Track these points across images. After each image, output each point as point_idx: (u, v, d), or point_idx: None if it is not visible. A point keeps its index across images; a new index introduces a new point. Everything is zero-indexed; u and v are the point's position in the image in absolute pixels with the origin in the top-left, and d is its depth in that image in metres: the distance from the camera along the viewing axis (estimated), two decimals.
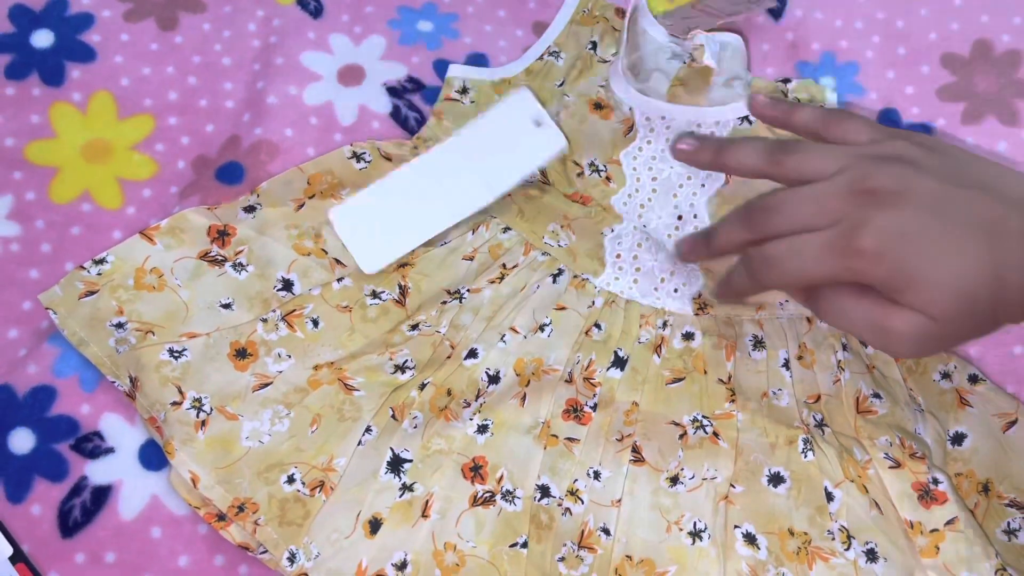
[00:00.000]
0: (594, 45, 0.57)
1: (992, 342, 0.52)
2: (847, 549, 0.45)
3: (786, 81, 0.57)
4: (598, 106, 0.55)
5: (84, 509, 0.47)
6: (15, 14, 0.57)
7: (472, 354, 0.49)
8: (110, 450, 0.48)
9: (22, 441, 0.48)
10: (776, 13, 0.61)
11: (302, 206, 0.52)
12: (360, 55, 0.58)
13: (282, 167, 0.54)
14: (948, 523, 0.45)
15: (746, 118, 0.55)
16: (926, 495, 0.46)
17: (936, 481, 0.46)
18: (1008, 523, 0.47)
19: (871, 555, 0.45)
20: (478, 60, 0.58)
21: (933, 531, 0.45)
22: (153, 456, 0.48)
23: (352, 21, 0.59)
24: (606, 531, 0.46)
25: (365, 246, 0.50)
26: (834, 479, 0.46)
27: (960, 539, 0.45)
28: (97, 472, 0.48)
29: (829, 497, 0.46)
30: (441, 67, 0.58)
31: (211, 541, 0.47)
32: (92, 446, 0.48)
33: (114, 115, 0.56)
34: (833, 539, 0.45)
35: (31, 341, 0.50)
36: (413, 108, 0.57)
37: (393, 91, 0.57)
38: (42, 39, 0.57)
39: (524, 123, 0.52)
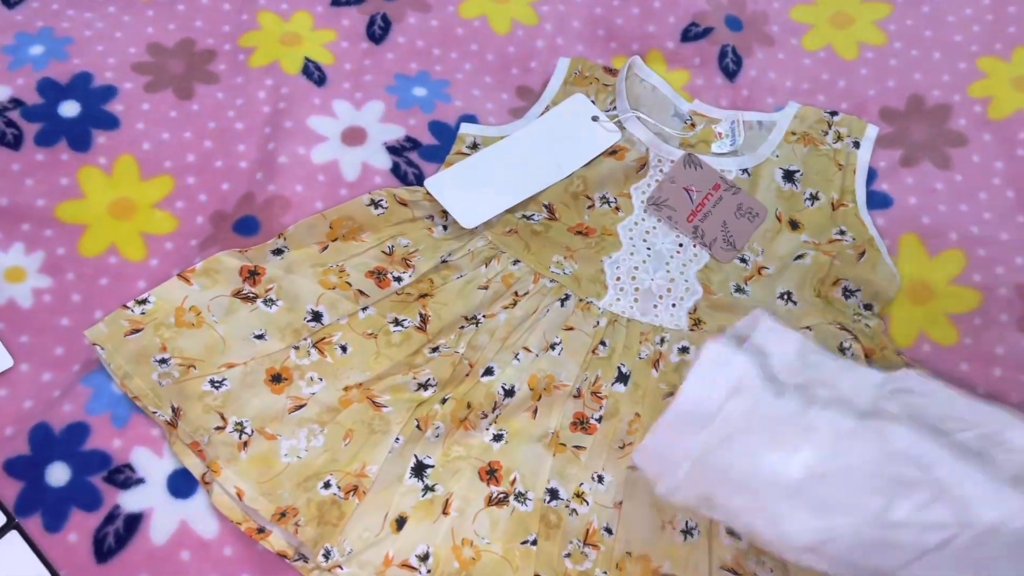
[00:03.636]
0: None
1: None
2: None
3: (833, 113, 0.69)
4: (612, 152, 0.66)
5: (117, 536, 0.54)
6: (43, 87, 0.67)
7: (489, 371, 0.58)
8: (140, 481, 0.55)
9: (59, 474, 0.55)
10: (731, 74, 0.71)
11: (326, 248, 0.61)
12: (361, 118, 0.68)
13: (294, 219, 0.63)
14: None
15: (745, 170, 0.67)
16: None
17: None
18: None
19: None
20: (468, 120, 0.69)
21: None
22: (181, 485, 0.56)
23: (353, 88, 0.68)
24: (608, 530, 0.54)
25: (462, 207, 0.62)
26: None
27: None
28: (129, 501, 0.55)
29: None
30: (435, 127, 0.68)
31: (237, 562, 0.54)
32: (124, 477, 0.55)
33: (137, 176, 0.64)
34: None
35: (65, 383, 0.58)
36: (411, 164, 0.66)
37: (393, 149, 0.67)
38: (69, 109, 0.66)
39: (584, 119, 0.67)
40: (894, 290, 0.63)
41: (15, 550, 0.52)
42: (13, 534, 0.52)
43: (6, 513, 0.53)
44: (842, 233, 0.64)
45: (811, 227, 0.65)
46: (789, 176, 0.67)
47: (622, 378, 0.59)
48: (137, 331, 0.57)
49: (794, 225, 0.65)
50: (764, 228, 0.65)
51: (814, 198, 0.66)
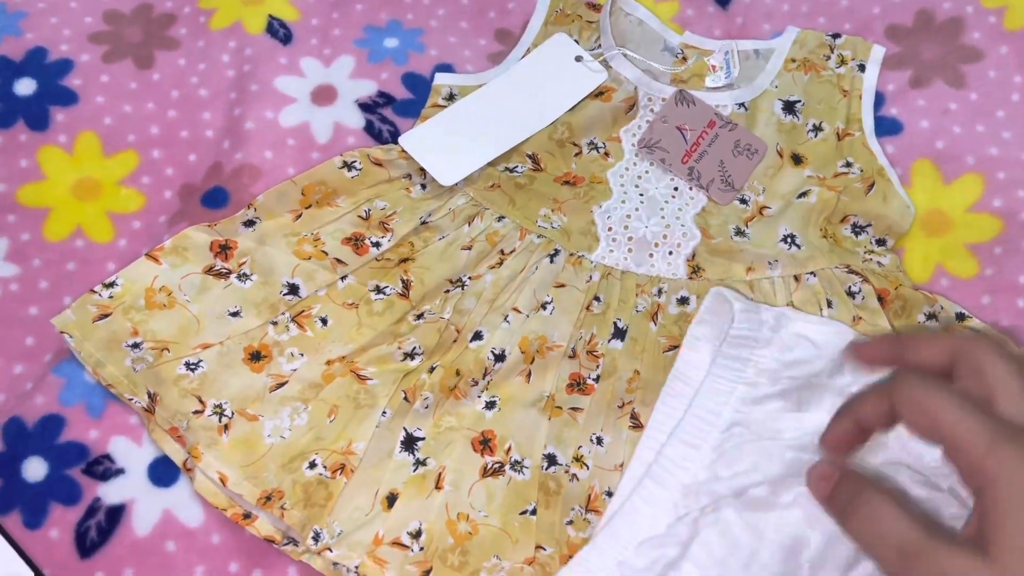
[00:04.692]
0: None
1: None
2: None
3: (835, 36, 0.65)
4: (599, 94, 0.62)
5: (100, 529, 0.52)
6: None
7: (477, 336, 0.56)
8: (120, 471, 0.53)
9: (35, 469, 0.53)
10: (723, 1, 0.67)
11: (299, 216, 0.59)
12: (331, 75, 0.65)
13: (265, 187, 0.60)
14: None
15: (742, 104, 0.63)
16: None
17: None
18: None
19: None
20: (445, 70, 0.65)
21: None
22: (163, 473, 0.54)
23: (321, 44, 0.65)
24: (610, 494, 0.52)
25: (439, 163, 0.59)
26: None
27: None
28: (109, 493, 0.53)
29: None
30: (409, 80, 0.65)
31: (225, 549, 0.52)
32: (103, 468, 0.53)
33: (100, 153, 0.62)
34: None
35: (36, 374, 0.56)
36: (386, 121, 0.63)
37: (365, 107, 0.63)
38: (25, 87, 0.63)
39: (567, 60, 0.63)
40: (908, 222, 0.59)
41: None
42: None
43: None
44: (848, 165, 0.60)
45: (815, 160, 0.61)
46: (790, 107, 0.63)
47: (619, 334, 0.56)
48: (106, 316, 0.55)
49: (797, 159, 0.61)
50: (765, 165, 0.61)
51: (817, 129, 0.62)
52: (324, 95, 0.64)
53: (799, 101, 0.63)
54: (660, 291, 0.57)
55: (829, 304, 0.56)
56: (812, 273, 0.57)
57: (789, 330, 0.51)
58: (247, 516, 0.52)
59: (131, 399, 0.53)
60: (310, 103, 0.64)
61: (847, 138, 0.61)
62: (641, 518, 0.47)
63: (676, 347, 0.55)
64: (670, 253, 0.59)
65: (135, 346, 0.54)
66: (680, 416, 0.50)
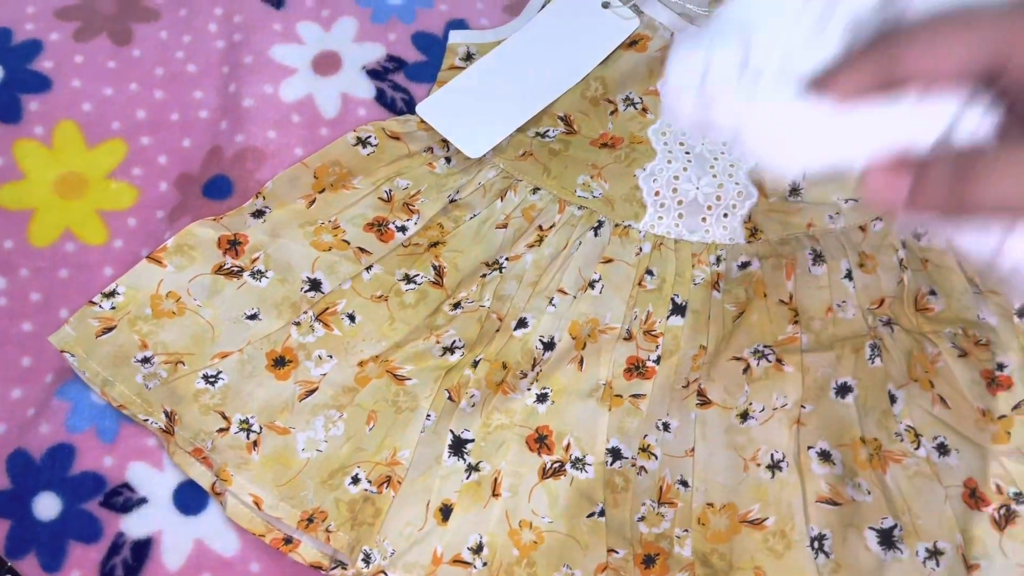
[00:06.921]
0: None
1: None
2: (917, 448, 0.47)
3: None
4: (632, 43, 0.55)
5: (127, 567, 0.48)
6: None
7: (522, 323, 0.51)
8: (143, 500, 0.49)
9: (48, 506, 0.49)
10: None
11: (313, 202, 0.53)
12: (333, 40, 0.59)
13: (271, 173, 0.55)
14: (1015, 408, 0.47)
15: None
16: (992, 382, 0.47)
17: (1001, 367, 0.47)
18: None
19: (942, 449, 0.47)
20: (458, 26, 0.59)
21: (1001, 417, 0.46)
22: (190, 500, 0.49)
23: (318, 5, 0.59)
24: (684, 483, 0.48)
25: (463, 133, 0.53)
26: (898, 381, 0.48)
27: None
28: (133, 526, 0.49)
29: (892, 399, 0.48)
30: (420, 40, 0.58)
31: None
32: (123, 499, 0.49)
33: (82, 144, 0.56)
34: (902, 440, 0.47)
35: (38, 398, 0.51)
36: (398, 88, 0.57)
37: (374, 73, 0.57)
38: None
39: (593, 7, 0.57)
40: None
41: None
42: None
43: None
44: None
45: None
46: None
47: (678, 310, 0.51)
48: (110, 329, 0.49)
49: None
50: None
51: None
52: (327, 63, 0.58)
53: None
54: (718, 259, 0.53)
55: (903, 245, 0.52)
56: (878, 219, 0.53)
57: None
58: (288, 541, 0.47)
59: (146, 420, 0.49)
60: (312, 73, 0.58)
61: None
62: None
63: (744, 313, 0.50)
64: (725, 215, 0.54)
65: (145, 361, 0.49)
66: None
